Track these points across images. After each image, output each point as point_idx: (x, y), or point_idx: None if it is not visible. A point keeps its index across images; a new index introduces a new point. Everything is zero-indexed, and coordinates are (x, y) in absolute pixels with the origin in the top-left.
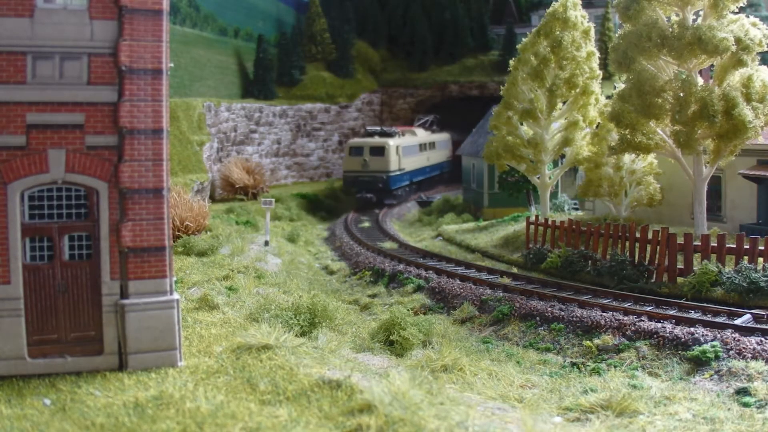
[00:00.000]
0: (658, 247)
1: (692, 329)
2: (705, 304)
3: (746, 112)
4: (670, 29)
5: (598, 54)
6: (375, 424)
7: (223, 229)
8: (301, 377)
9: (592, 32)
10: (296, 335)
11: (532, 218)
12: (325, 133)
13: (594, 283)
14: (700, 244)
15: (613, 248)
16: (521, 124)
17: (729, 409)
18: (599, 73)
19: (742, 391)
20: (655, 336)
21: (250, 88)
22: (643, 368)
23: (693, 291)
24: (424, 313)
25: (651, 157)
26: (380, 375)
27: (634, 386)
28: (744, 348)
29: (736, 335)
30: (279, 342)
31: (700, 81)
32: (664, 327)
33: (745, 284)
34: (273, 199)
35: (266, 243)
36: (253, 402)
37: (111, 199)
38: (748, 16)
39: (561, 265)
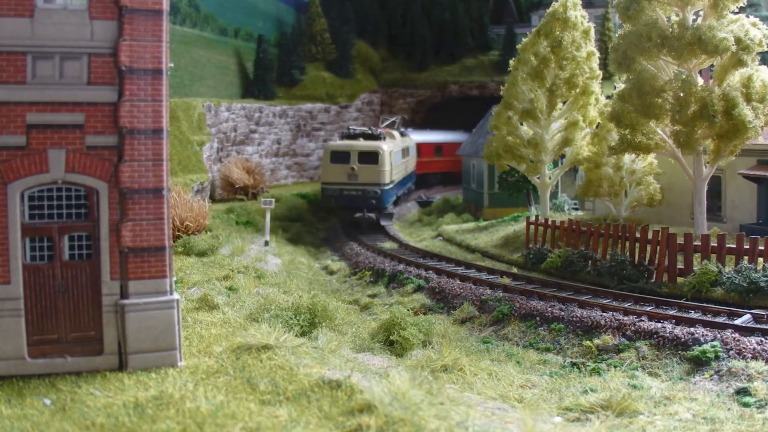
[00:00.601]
0: (658, 247)
1: (692, 329)
2: (705, 304)
3: (746, 112)
4: (670, 29)
5: (598, 54)
6: (375, 424)
7: (223, 229)
8: (301, 377)
9: (592, 32)
10: (296, 335)
11: (532, 218)
12: (325, 133)
13: (594, 283)
14: (700, 244)
15: (613, 248)
16: (521, 124)
17: (729, 409)
18: (599, 73)
19: (742, 391)
20: (655, 336)
21: (250, 88)
22: (643, 368)
23: (693, 291)
24: (424, 313)
25: (651, 157)
26: (380, 375)
27: (634, 386)
28: (744, 348)
29: (736, 335)
30: (279, 342)
31: (700, 81)
32: (664, 327)
33: (745, 284)
34: (273, 199)
35: (266, 243)
36: (253, 402)
37: (111, 199)
38: (748, 16)
39: (561, 265)
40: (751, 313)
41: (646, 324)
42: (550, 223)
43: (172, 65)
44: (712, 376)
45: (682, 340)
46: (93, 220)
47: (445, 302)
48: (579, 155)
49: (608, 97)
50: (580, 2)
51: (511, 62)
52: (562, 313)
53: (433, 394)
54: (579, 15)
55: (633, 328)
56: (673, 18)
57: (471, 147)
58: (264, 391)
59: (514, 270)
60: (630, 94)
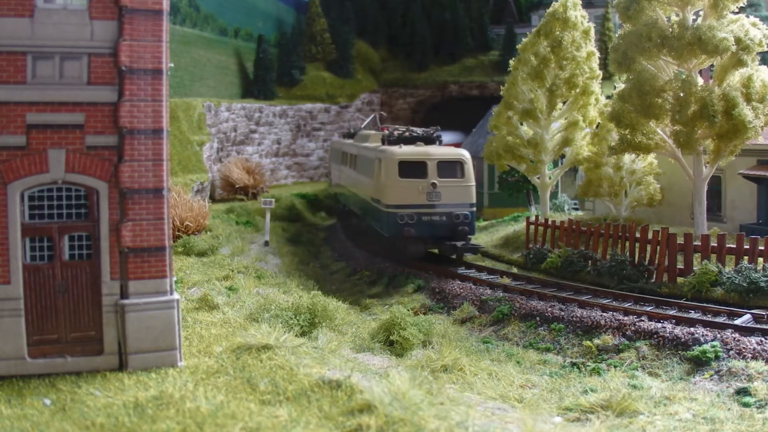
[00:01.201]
0: (658, 247)
1: (692, 329)
2: (705, 304)
3: (746, 112)
4: (670, 29)
5: (598, 54)
6: (375, 424)
7: (223, 229)
8: (301, 377)
9: (592, 32)
10: (296, 335)
11: (532, 218)
12: (325, 133)
13: (594, 283)
14: (700, 244)
15: (613, 248)
16: (521, 124)
17: (729, 409)
18: (599, 73)
19: (742, 391)
20: (655, 336)
21: (250, 88)
22: (643, 368)
23: (693, 291)
24: (424, 313)
25: (651, 157)
26: (380, 375)
27: (634, 386)
28: (744, 348)
29: (736, 335)
30: (279, 342)
31: (700, 81)
32: (664, 327)
33: (745, 284)
34: (273, 199)
35: (266, 243)
36: (253, 402)
37: (111, 199)
38: (748, 16)
39: (561, 265)
40: (751, 313)
41: (646, 324)
42: (550, 223)
43: (172, 65)
44: (712, 376)
45: (682, 340)
46: (93, 220)
47: (445, 302)
48: (579, 155)
49: (608, 97)
50: (580, 2)
51: (511, 62)
52: (562, 313)
53: (433, 394)
54: (579, 15)
55: (633, 328)
56: (673, 18)
57: (471, 147)
58: (264, 391)
59: (514, 270)
60: (630, 94)
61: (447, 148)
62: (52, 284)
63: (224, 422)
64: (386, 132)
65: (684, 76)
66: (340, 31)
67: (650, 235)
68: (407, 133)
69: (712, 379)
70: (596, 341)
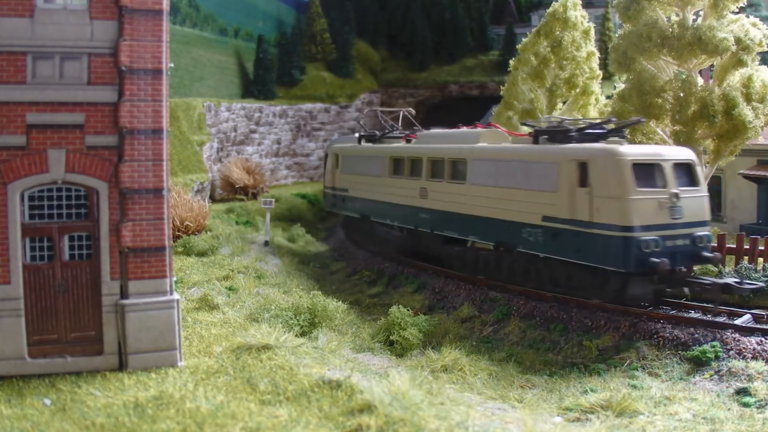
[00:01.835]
0: None
1: (692, 329)
2: (705, 304)
3: (746, 112)
4: (670, 29)
5: (598, 54)
6: (375, 424)
7: (223, 229)
8: (301, 377)
9: (592, 32)
10: (296, 335)
11: None
12: (325, 133)
13: None
14: None
15: None
16: (521, 124)
17: (729, 409)
18: (599, 73)
19: (742, 391)
20: (655, 336)
21: (250, 88)
22: (643, 368)
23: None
24: (424, 313)
25: None
26: (380, 375)
27: (634, 386)
28: (744, 348)
29: (736, 335)
30: (279, 342)
31: (700, 81)
32: (664, 327)
33: None
34: (273, 199)
35: (266, 243)
36: (253, 402)
37: (111, 199)
38: (748, 16)
39: None
40: (751, 313)
41: (646, 324)
42: None
43: (172, 65)
44: (712, 376)
45: (682, 340)
46: (93, 220)
47: (445, 302)
48: None
49: (608, 97)
50: (580, 2)
51: (511, 62)
52: (562, 313)
53: (433, 394)
54: (579, 15)
55: (633, 328)
56: (673, 18)
57: None
58: (264, 391)
59: None
60: (630, 94)
61: (672, 147)
62: (52, 284)
63: (224, 422)
64: (539, 125)
65: (684, 76)
66: (340, 31)
67: None
68: (546, 124)
69: (712, 379)
70: (596, 341)
